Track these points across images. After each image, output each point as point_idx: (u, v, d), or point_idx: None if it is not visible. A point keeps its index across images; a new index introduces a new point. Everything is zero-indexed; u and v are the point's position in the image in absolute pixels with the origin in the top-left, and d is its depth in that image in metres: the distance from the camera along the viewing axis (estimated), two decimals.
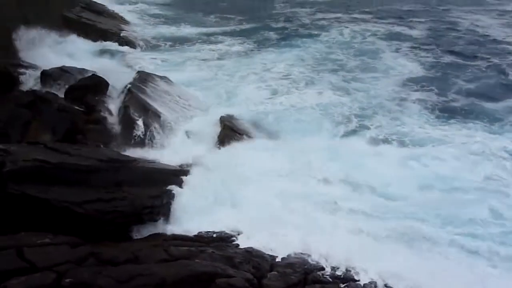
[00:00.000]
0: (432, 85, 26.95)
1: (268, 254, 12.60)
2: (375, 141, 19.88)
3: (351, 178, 16.33)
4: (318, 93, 25.19)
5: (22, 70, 22.78)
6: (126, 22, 43.45)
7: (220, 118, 20.30)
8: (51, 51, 29.88)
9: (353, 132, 21.14)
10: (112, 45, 34.21)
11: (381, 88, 26.36)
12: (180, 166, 16.82)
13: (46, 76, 21.97)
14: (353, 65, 30.78)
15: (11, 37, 25.57)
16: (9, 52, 24.68)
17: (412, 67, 30.36)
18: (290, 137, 19.93)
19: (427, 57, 32.81)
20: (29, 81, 21.91)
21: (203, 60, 32.15)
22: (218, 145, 18.87)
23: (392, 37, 38.21)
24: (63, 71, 22.52)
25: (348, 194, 15.60)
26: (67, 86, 21.11)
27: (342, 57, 32.55)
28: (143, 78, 23.64)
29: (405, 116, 22.64)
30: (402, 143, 19.58)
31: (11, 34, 25.67)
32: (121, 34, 36.57)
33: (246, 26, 43.53)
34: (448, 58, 32.55)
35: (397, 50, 34.23)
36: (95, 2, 48.66)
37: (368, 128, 21.26)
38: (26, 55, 26.37)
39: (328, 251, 12.45)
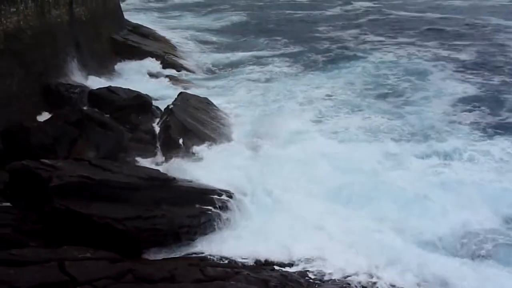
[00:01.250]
0: (484, 105, 26.64)
1: (304, 278, 12.40)
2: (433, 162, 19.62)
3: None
4: (365, 118, 25.15)
5: (71, 90, 24.11)
6: (172, 46, 45.23)
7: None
8: (99, 73, 31.61)
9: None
10: (156, 67, 35.78)
11: (433, 110, 26.17)
12: (219, 187, 16.99)
13: (94, 95, 23.12)
14: (403, 86, 30.89)
15: (63, 58, 27.22)
16: (60, 72, 26.23)
17: (462, 88, 30.09)
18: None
19: (476, 78, 32.39)
20: (78, 100, 23.14)
21: (252, 81, 33.10)
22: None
23: (438, 59, 37.98)
24: (109, 91, 23.59)
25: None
26: (113, 106, 22.09)
27: (390, 79, 32.75)
28: (184, 99, 24.35)
29: (462, 138, 22.11)
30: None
31: (63, 55, 27.34)
32: (166, 57, 38.01)
33: (293, 49, 44.91)
34: (497, 80, 32.18)
35: (445, 72, 34.03)
36: (141, 25, 51.15)
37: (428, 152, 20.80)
38: (76, 76, 28.01)
39: None
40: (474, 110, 26.26)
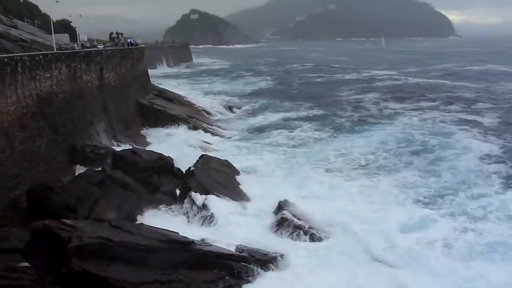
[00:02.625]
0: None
1: None
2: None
3: None
4: (402, 178, 25.30)
5: (96, 151, 24.89)
6: (196, 109, 47.00)
7: (279, 203, 20.40)
8: (124, 134, 32.71)
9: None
10: (180, 130, 36.96)
11: (463, 165, 26.62)
12: (238, 250, 16.77)
13: (117, 157, 23.74)
14: (430, 146, 31.44)
15: (91, 120, 28.40)
16: (87, 133, 27.26)
17: (485, 147, 30.57)
18: None
19: (499, 140, 32.86)
20: (102, 160, 23.79)
21: (276, 146, 33.75)
22: (275, 230, 18.85)
23: (462, 122, 38.92)
24: (132, 153, 24.20)
25: None
26: (135, 167, 22.56)
27: (419, 139, 33.25)
28: (205, 161, 24.79)
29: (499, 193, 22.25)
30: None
31: (91, 117, 28.55)
32: (189, 120, 39.21)
33: (317, 112, 46.54)
34: None
35: (469, 134, 34.76)
36: (167, 90, 53.50)
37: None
38: (102, 137, 29.04)
39: None
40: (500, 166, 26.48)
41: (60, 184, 18.57)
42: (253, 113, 48.05)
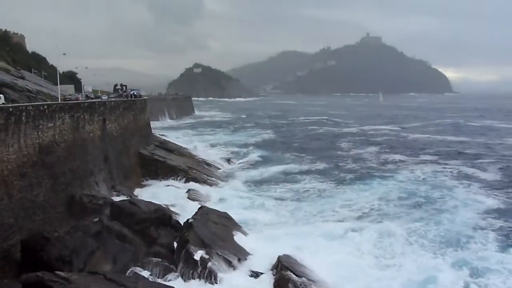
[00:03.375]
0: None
1: None
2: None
3: None
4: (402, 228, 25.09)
5: (95, 201, 24.72)
6: (197, 160, 47.11)
7: (279, 259, 19.80)
8: (124, 185, 32.60)
9: None
10: (180, 181, 36.86)
11: (462, 218, 26.55)
12: None
13: (115, 207, 23.51)
14: (431, 199, 31.60)
15: (91, 170, 28.43)
16: (87, 183, 27.18)
17: (486, 201, 30.71)
18: None
19: (500, 194, 32.85)
20: (100, 211, 23.56)
21: (278, 198, 33.45)
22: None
23: (462, 177, 39.13)
24: (131, 204, 24.01)
25: None
26: (133, 218, 22.30)
27: (418, 193, 33.45)
28: (204, 213, 24.45)
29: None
30: None
31: (91, 167, 28.61)
32: (189, 171, 39.21)
33: (319, 165, 46.74)
34: None
35: (470, 188, 34.89)
36: (168, 141, 53.96)
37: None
38: (102, 187, 28.92)
39: None
40: (500, 219, 26.70)
41: (56, 235, 18.28)
42: (255, 164, 48.29)
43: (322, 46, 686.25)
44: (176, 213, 26.33)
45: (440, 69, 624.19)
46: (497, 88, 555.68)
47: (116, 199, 26.30)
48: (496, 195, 32.80)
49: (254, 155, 54.18)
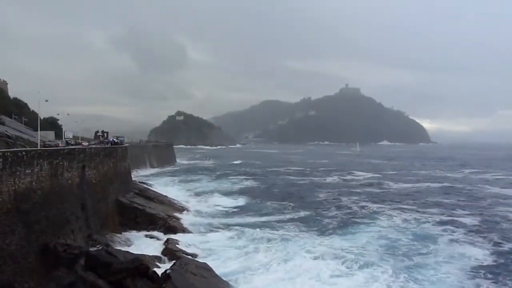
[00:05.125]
0: (500, 276, 26.37)
1: None
2: None
3: None
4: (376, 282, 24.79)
5: (69, 250, 23.86)
6: (177, 208, 46.54)
7: None
8: (101, 234, 31.69)
9: None
10: (159, 230, 35.98)
11: (446, 278, 26.04)
12: None
13: (91, 257, 22.72)
14: (414, 250, 31.51)
15: (67, 218, 27.66)
16: (62, 231, 26.34)
17: (472, 254, 30.61)
18: None
19: (484, 244, 33.03)
20: (75, 261, 22.71)
21: (263, 247, 32.45)
22: None
23: (444, 224, 39.51)
24: (107, 253, 23.26)
25: None
26: (109, 269, 21.54)
27: (402, 242, 33.60)
28: (183, 264, 23.82)
29: None
30: None
31: (67, 215, 27.85)
32: (169, 220, 38.48)
33: (301, 213, 46.84)
34: (507, 246, 32.57)
35: (453, 237, 35.11)
36: (148, 188, 53.28)
37: None
38: (77, 236, 28.03)
39: None
40: (487, 278, 26.15)
41: (27, 286, 17.47)
42: (238, 212, 47.94)
43: (302, 96, 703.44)
44: (154, 264, 25.56)
45: (417, 120, 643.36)
46: (470, 137, 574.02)
47: (92, 248, 25.47)
48: (480, 245, 32.99)
49: (236, 202, 54.02)
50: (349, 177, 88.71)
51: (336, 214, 46.15)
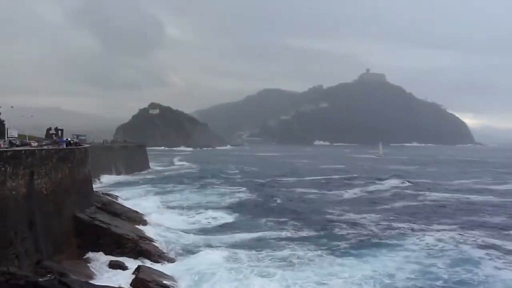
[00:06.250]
0: None
1: None
2: None
3: None
4: None
5: (13, 281, 23.87)
6: (151, 226, 46.43)
7: None
8: (54, 258, 31.67)
9: None
10: (128, 255, 35.89)
11: None
12: None
13: None
14: (452, 280, 31.70)
15: (10, 239, 27.64)
16: (4, 257, 26.32)
17: None
18: None
19: None
20: None
21: (262, 269, 33.04)
22: None
23: (488, 247, 39.76)
24: (61, 284, 23.37)
25: None
26: None
27: (435, 269, 33.78)
28: None
29: None
30: None
31: (11, 235, 27.82)
32: (139, 242, 38.43)
33: (304, 231, 47.38)
34: None
35: (499, 262, 35.46)
36: (114, 201, 53.32)
37: None
38: (24, 262, 28.03)
39: None
40: None
41: None
42: (227, 231, 48.35)
43: (312, 84, 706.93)
44: None
45: (456, 114, 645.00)
46: None
47: (43, 278, 25.45)
48: None
49: (225, 219, 54.53)
50: (371, 187, 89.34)
51: (352, 233, 46.58)
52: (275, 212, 59.49)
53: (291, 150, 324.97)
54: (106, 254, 36.24)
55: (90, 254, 36.24)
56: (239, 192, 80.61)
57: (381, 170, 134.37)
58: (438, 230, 46.90)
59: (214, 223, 52.60)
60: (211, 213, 57.87)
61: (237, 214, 57.70)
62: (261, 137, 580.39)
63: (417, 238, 43.19)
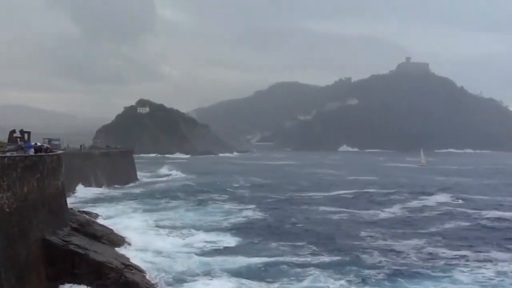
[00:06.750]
0: None
1: None
2: None
3: None
4: None
5: None
6: (139, 251, 46.46)
7: None
8: None
9: None
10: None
11: None
12: None
13: None
14: None
15: None
16: None
17: None
18: None
19: None
20: None
21: None
22: None
23: None
24: None
25: None
26: None
27: None
28: None
29: None
30: None
31: None
32: (124, 272, 38.34)
33: (327, 258, 47.42)
34: None
35: None
36: (93, 221, 53.24)
37: None
38: None
39: None
40: None
41: None
42: (231, 255, 48.50)
43: (338, 77, 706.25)
44: None
45: None
46: None
47: None
48: None
49: (229, 242, 54.77)
50: (412, 204, 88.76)
51: (387, 261, 46.48)
52: (291, 235, 59.66)
53: (311, 158, 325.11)
54: (84, 284, 36.23)
55: (65, 286, 36.28)
56: (247, 209, 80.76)
57: (425, 183, 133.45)
58: (498, 260, 46.56)
59: (214, 246, 52.80)
60: (211, 235, 58.07)
61: (243, 237, 57.91)
62: (274, 142, 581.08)
63: (470, 270, 42.92)
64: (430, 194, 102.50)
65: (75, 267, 37.98)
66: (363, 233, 60.87)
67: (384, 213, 79.75)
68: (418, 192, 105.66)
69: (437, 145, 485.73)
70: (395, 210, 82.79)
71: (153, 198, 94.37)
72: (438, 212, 78.56)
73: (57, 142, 68.22)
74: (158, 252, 48.15)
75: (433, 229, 63.45)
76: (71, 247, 39.87)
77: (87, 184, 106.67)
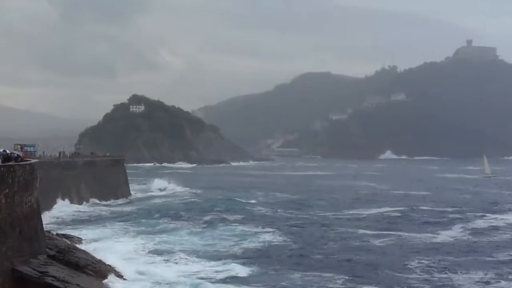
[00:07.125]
0: None
1: None
2: None
3: None
4: None
5: None
6: (131, 284, 46.96)
7: None
8: None
9: None
10: None
11: None
12: None
13: None
14: None
15: None
16: None
17: None
18: None
19: None
20: None
21: None
22: None
23: None
24: None
25: None
26: None
27: None
28: None
29: None
30: None
31: None
32: None
33: None
34: None
35: None
36: (74, 248, 53.42)
37: None
38: None
39: None
40: None
41: None
42: (247, 285, 49.31)
43: (380, 65, 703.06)
44: None
45: None
46: None
47: None
48: None
49: (242, 271, 55.07)
50: (477, 225, 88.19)
51: None
52: (319, 264, 59.85)
53: (347, 168, 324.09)
54: None
55: None
56: (265, 233, 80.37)
57: (492, 199, 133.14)
58: None
59: (223, 276, 53.14)
60: (220, 263, 58.38)
61: (258, 266, 58.15)
62: (299, 148, 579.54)
63: None
64: (500, 212, 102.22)
65: None
66: (413, 263, 60.63)
67: (441, 237, 79.35)
68: (484, 210, 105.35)
69: (505, 151, 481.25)
70: (455, 233, 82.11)
71: (149, 218, 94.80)
72: (510, 235, 77.88)
73: (31, 149, 68.48)
74: (154, 284, 48.47)
75: (504, 257, 62.99)
76: (48, 279, 40.02)
77: (68, 200, 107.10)
